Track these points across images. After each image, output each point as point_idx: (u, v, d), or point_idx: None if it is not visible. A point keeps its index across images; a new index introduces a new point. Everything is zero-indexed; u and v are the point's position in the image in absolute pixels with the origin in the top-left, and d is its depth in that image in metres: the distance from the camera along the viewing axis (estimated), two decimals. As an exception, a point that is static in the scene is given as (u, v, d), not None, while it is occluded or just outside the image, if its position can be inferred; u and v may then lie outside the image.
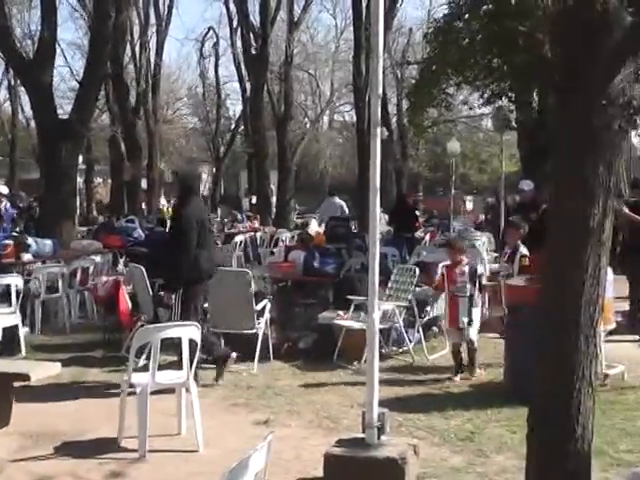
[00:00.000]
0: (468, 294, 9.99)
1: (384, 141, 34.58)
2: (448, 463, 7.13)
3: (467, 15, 14.51)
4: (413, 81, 23.56)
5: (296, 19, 39.68)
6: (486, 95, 16.39)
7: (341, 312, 11.23)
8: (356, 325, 10.37)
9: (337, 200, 23.04)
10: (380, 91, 6.47)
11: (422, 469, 6.80)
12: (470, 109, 24.83)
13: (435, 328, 11.91)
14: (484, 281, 10.30)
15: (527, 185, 14.37)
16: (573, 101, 4.62)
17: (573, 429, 4.77)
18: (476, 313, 10.06)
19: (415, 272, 11.51)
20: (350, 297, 11.24)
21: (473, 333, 10.00)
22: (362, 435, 6.54)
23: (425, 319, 11.33)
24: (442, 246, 11.88)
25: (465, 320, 9.93)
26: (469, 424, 8.23)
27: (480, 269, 10.27)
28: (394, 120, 46.12)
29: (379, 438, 6.46)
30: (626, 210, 12.20)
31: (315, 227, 21.10)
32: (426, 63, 17.27)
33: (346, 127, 58.21)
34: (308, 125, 54.30)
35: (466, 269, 10.10)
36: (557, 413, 4.83)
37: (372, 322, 6.49)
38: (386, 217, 24.41)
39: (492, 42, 13.41)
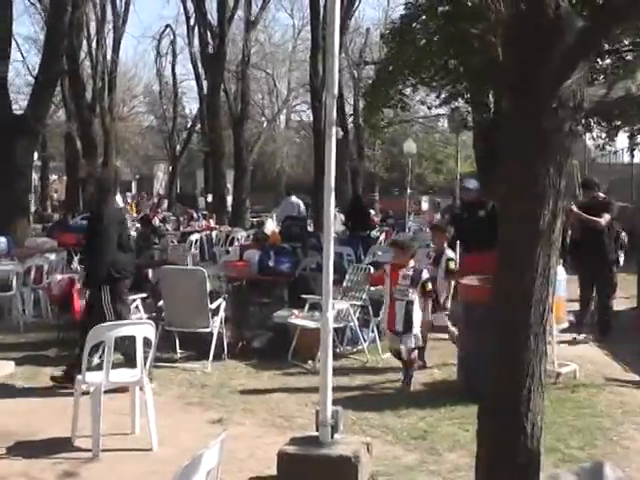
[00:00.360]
0: (408, 299, 9.69)
1: (340, 141, 34.65)
2: (401, 461, 7.19)
3: (424, 16, 14.56)
4: (370, 81, 23.57)
5: (254, 18, 39.58)
6: (442, 96, 16.48)
7: (296, 311, 11.24)
8: (311, 324, 10.39)
9: (294, 199, 23.08)
10: (336, 91, 6.50)
11: (375, 467, 6.85)
12: (429, 108, 24.90)
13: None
14: (429, 286, 9.89)
15: (472, 183, 14.13)
16: (524, 103, 4.67)
17: (523, 426, 4.83)
18: (416, 319, 9.71)
19: (370, 272, 11.57)
20: (305, 296, 11.27)
21: (408, 341, 9.67)
22: (316, 433, 6.57)
23: (380, 318, 11.38)
24: (391, 245, 11.59)
25: (400, 327, 9.67)
26: (422, 422, 8.29)
27: (425, 274, 9.92)
28: (351, 120, 46.21)
29: (332, 436, 6.49)
30: (575, 209, 12.31)
31: (270, 226, 21.12)
32: (383, 63, 17.33)
33: (303, 127, 58.23)
34: (265, 124, 54.25)
35: (410, 273, 9.80)
36: (507, 410, 4.88)
37: (326, 321, 6.52)
38: (342, 217, 24.48)
39: (448, 43, 13.46)
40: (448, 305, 10.97)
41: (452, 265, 11.27)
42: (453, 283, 11.03)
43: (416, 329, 9.71)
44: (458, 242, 14.17)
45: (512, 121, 4.84)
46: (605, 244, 12.43)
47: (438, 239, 11.82)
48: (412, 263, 10.01)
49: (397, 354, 9.89)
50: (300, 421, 8.21)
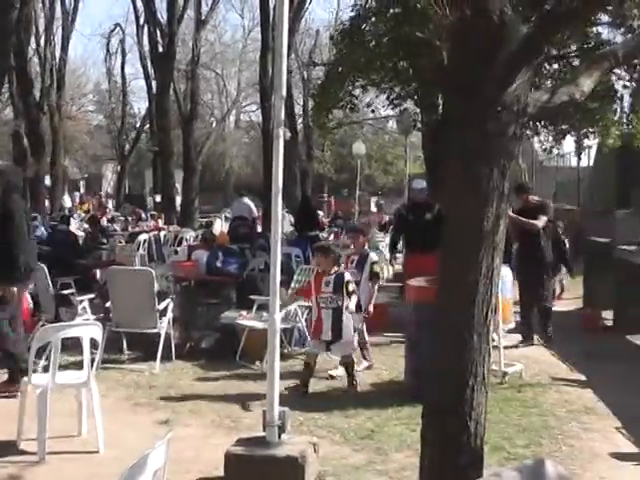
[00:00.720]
0: (334, 306, 9.55)
1: (289, 142, 34.65)
2: (348, 461, 7.22)
3: (373, 18, 14.60)
4: (319, 82, 23.60)
5: (204, 17, 39.51)
6: (392, 97, 16.52)
7: (244, 312, 11.24)
8: (258, 325, 10.39)
9: (246, 200, 23.06)
10: (284, 92, 6.52)
11: (322, 467, 6.88)
12: (373, 112, 25.03)
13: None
14: (351, 288, 9.65)
15: (420, 184, 14.35)
16: (469, 107, 4.73)
17: (466, 425, 4.90)
18: (347, 325, 9.58)
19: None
20: (253, 297, 11.28)
21: (338, 350, 9.67)
22: (263, 434, 6.59)
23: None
24: (315, 251, 11.24)
25: (328, 336, 9.55)
26: (370, 422, 8.34)
27: (348, 276, 9.74)
28: (300, 121, 46.21)
29: (279, 437, 6.52)
30: (510, 212, 12.37)
31: (219, 227, 21.07)
32: (332, 65, 17.33)
33: (252, 127, 58.09)
34: (214, 124, 54.13)
35: (331, 279, 9.66)
36: (451, 409, 4.95)
37: (273, 322, 6.54)
38: (291, 218, 24.50)
39: (398, 45, 13.50)
40: (371, 309, 10.69)
41: (376, 268, 11.05)
42: (376, 287, 10.98)
43: (347, 335, 9.61)
44: (403, 243, 14.29)
45: (457, 124, 4.90)
46: (541, 247, 12.43)
47: (357, 242, 11.45)
48: (335, 269, 9.80)
49: (313, 362, 9.64)
50: (247, 422, 8.21)
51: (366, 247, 11.37)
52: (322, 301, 9.63)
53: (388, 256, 16.08)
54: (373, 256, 11.19)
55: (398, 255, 15.83)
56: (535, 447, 7.69)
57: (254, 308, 11.15)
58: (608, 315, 14.40)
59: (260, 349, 9.73)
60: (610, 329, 14.01)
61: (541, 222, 12.29)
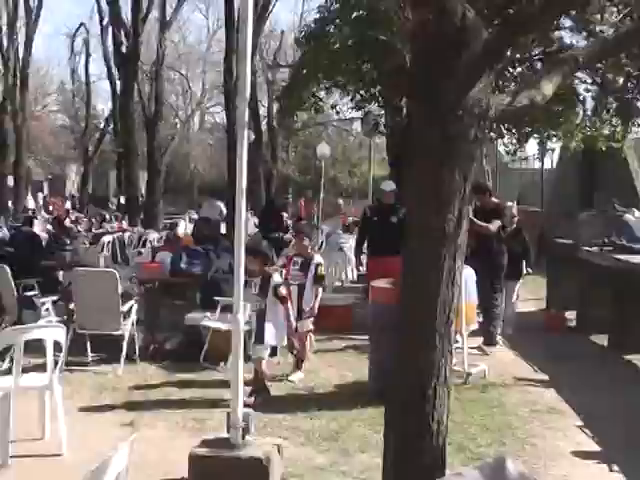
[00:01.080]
0: (257, 309, 9.47)
1: (254, 143, 34.62)
2: (312, 462, 7.25)
3: (338, 20, 14.64)
4: (284, 84, 23.59)
5: (168, 18, 39.36)
6: (356, 100, 16.57)
7: (208, 313, 11.21)
8: (223, 326, 10.37)
9: (217, 202, 23.07)
10: (247, 94, 6.51)
11: (286, 468, 6.90)
12: (337, 113, 25.03)
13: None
14: (282, 292, 9.43)
15: (388, 186, 14.19)
16: (431, 110, 4.77)
17: (428, 424, 4.94)
18: (269, 329, 9.30)
19: (282, 273, 11.58)
20: (217, 298, 11.25)
21: (259, 352, 9.31)
22: (227, 435, 6.59)
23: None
24: (245, 251, 10.81)
25: (253, 338, 9.46)
26: (334, 424, 8.36)
27: (277, 278, 9.58)
28: (265, 122, 46.14)
29: (244, 438, 6.51)
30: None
31: (183, 228, 20.99)
32: (297, 66, 17.36)
33: (217, 128, 57.99)
34: (178, 126, 53.98)
35: (258, 281, 9.52)
36: (413, 409, 4.99)
37: (237, 323, 6.54)
38: (255, 219, 24.48)
39: (362, 48, 13.55)
40: (315, 312, 10.62)
41: (321, 271, 10.78)
42: (320, 290, 10.81)
43: (270, 340, 9.33)
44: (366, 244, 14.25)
45: (419, 127, 4.93)
46: (494, 250, 12.31)
47: (300, 245, 11.06)
48: (264, 269, 9.59)
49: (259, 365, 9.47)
50: (212, 423, 8.21)
51: (310, 250, 11.05)
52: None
53: (353, 259, 15.98)
54: (318, 259, 10.94)
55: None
56: (498, 446, 7.76)
57: (218, 309, 11.12)
58: (572, 316, 14.55)
59: (224, 350, 9.72)
60: (573, 330, 14.15)
61: (494, 226, 12.16)
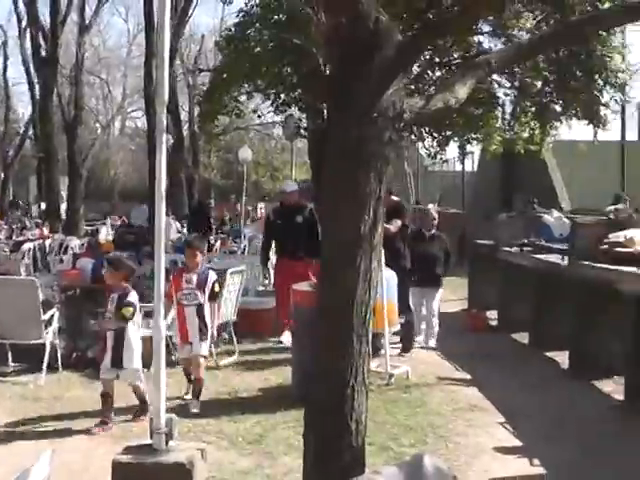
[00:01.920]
0: (112, 328, 8.79)
1: (175, 148, 34.41)
2: (236, 466, 7.27)
3: (258, 24, 14.63)
4: (205, 88, 23.50)
5: (87, 22, 38.93)
6: (277, 103, 16.58)
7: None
8: (145, 332, 10.30)
9: (146, 208, 22.88)
10: (166, 98, 6.48)
11: (210, 473, 6.88)
12: (259, 117, 25.01)
13: (225, 334, 12.01)
14: (216, 288, 9.31)
15: (290, 186, 13.99)
16: (345, 113, 4.82)
17: (347, 424, 4.98)
18: (128, 350, 8.75)
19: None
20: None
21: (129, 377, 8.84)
22: (150, 441, 6.56)
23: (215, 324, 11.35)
24: (107, 263, 9.70)
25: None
26: (258, 427, 8.38)
27: (132, 297, 8.91)
28: (186, 127, 45.88)
29: (167, 443, 6.48)
30: None
31: (105, 234, 20.84)
32: (218, 70, 17.31)
33: (138, 134, 57.54)
34: (99, 130, 53.44)
35: (115, 297, 8.87)
36: (332, 410, 5.03)
37: (158, 328, 6.51)
38: (177, 224, 24.38)
39: (282, 52, 13.56)
40: (214, 332, 9.90)
41: (217, 287, 9.83)
42: (216, 306, 9.86)
43: (134, 363, 8.83)
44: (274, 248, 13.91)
45: (334, 129, 4.98)
46: (397, 251, 12.07)
47: (193, 260, 9.79)
48: (124, 284, 9.01)
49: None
50: (136, 430, 8.15)
51: (202, 265, 9.93)
52: (102, 323, 9.06)
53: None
54: (213, 275, 9.79)
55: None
56: (421, 445, 7.85)
57: (141, 315, 11.04)
58: (493, 315, 14.77)
59: (147, 356, 9.65)
60: (495, 329, 14.37)
61: (394, 227, 11.91)
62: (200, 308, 9.42)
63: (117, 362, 8.69)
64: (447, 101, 5.14)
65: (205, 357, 9.51)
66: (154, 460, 6.38)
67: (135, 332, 8.90)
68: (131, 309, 8.81)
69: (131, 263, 9.60)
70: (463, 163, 29.93)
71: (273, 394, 9.75)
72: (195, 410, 8.90)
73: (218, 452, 7.56)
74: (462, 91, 5.24)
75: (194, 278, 9.47)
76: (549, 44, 7.03)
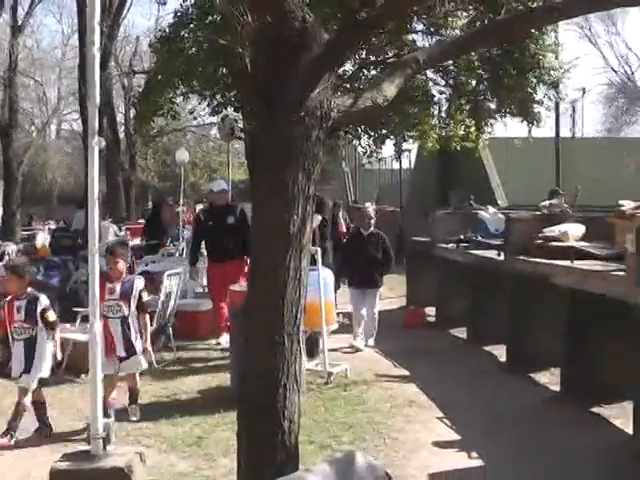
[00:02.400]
0: (25, 337, 8.42)
1: (111, 151, 34.13)
2: (175, 469, 7.25)
3: (192, 25, 14.58)
4: (140, 90, 23.36)
5: (20, 22, 38.45)
6: (213, 104, 16.54)
7: (67, 325, 11.02)
8: (82, 337, 10.20)
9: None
10: (97, 100, 6.42)
11: (149, 476, 6.86)
12: (195, 119, 24.92)
13: (163, 337, 11.96)
14: (51, 316, 8.47)
15: (218, 186, 13.68)
16: (273, 112, 4.83)
17: (280, 423, 5.00)
18: (41, 358, 8.39)
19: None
20: (76, 309, 11.09)
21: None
22: (88, 447, 6.51)
23: (154, 327, 11.28)
24: (6, 269, 9.47)
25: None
26: (197, 429, 8.36)
27: (138, 284, 8.82)
28: (122, 129, 45.55)
29: (105, 449, 6.44)
30: None
31: (42, 239, 20.61)
32: (153, 72, 17.21)
33: (74, 137, 56.94)
34: (35, 134, 52.80)
35: (22, 304, 8.46)
36: (264, 409, 5.04)
37: (93, 333, 6.46)
38: (115, 227, 24.21)
39: (217, 52, 13.53)
40: (148, 347, 9.13)
41: (145, 296, 9.13)
42: (148, 318, 9.24)
43: (41, 372, 8.46)
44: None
45: (263, 129, 4.98)
46: (324, 249, 12.08)
47: (116, 269, 9.01)
48: (28, 290, 8.63)
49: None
50: (75, 437, 8.09)
51: (125, 273, 9.18)
52: (15, 333, 8.50)
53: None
54: (139, 284, 9.10)
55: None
56: (360, 443, 7.88)
57: (77, 320, 10.96)
58: (431, 311, 14.88)
59: (85, 361, 9.56)
60: (433, 325, 14.49)
61: (314, 222, 11.91)
62: (125, 320, 8.76)
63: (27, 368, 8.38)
64: (375, 100, 5.16)
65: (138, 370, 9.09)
66: (92, 466, 6.33)
67: (46, 338, 8.52)
68: (53, 312, 8.55)
69: (28, 271, 9.01)
70: (400, 161, 30.13)
71: (212, 396, 9.73)
72: (134, 418, 8.76)
73: (157, 455, 7.54)
74: (390, 89, 5.27)
75: (117, 288, 8.79)
76: (478, 41, 7.11)
